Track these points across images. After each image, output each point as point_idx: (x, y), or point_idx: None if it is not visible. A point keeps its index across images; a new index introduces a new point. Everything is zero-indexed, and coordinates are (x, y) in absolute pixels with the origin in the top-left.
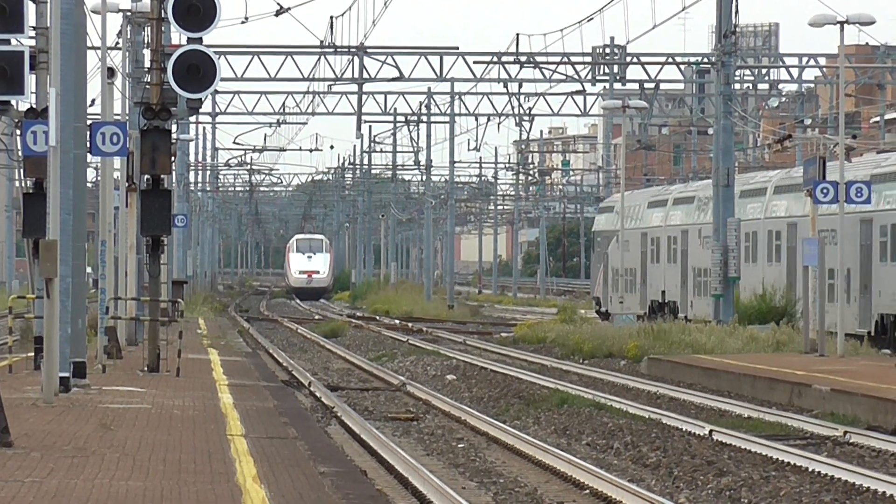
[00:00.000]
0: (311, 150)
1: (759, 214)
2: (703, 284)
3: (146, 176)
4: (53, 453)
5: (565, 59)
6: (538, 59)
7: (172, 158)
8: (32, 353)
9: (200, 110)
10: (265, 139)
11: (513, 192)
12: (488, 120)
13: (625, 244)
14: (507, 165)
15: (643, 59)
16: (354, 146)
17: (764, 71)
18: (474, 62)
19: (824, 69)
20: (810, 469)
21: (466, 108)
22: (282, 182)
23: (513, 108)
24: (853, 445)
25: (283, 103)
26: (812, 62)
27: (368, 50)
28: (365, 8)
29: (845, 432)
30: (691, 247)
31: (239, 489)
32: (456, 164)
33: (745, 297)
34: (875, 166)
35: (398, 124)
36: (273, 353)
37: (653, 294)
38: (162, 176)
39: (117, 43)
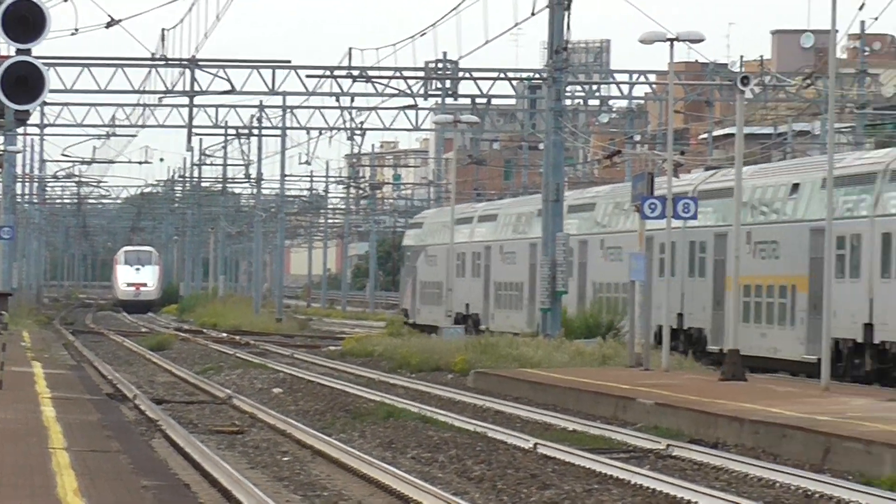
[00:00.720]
0: (140, 163)
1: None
2: (504, 297)
3: None
4: None
5: (398, 74)
6: (370, 73)
7: None
8: None
9: (28, 122)
10: (94, 151)
11: (343, 206)
12: (320, 133)
13: (432, 259)
14: (338, 179)
15: (475, 73)
16: (185, 159)
17: (595, 87)
18: (306, 76)
19: (654, 86)
20: (633, 482)
21: (298, 122)
22: (111, 194)
23: (344, 121)
24: (676, 458)
25: (113, 115)
26: (642, 79)
27: (200, 63)
28: (197, 21)
29: (668, 445)
30: (493, 262)
31: (59, 503)
32: (287, 178)
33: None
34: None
35: (229, 137)
36: (98, 366)
37: (458, 307)
38: None
39: None
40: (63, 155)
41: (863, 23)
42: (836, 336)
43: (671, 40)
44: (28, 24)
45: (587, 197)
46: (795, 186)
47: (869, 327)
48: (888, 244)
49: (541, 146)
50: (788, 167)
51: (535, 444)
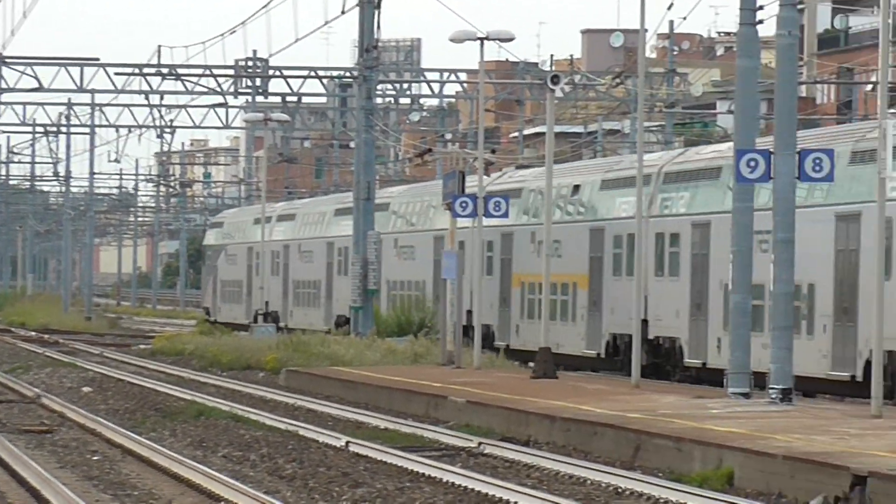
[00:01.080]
0: None
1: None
2: (303, 295)
3: None
4: None
5: (207, 72)
6: (180, 71)
7: None
8: None
9: None
10: None
11: (153, 204)
12: (129, 132)
13: (232, 258)
14: (148, 177)
15: (286, 72)
16: None
17: (405, 85)
18: (115, 73)
19: (465, 84)
20: (445, 480)
21: (107, 120)
22: None
23: (154, 119)
24: (488, 456)
25: None
26: (453, 77)
27: (7, 60)
28: (3, 17)
29: (480, 443)
30: (292, 261)
31: None
32: (96, 176)
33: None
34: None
35: (37, 135)
36: None
37: (256, 304)
38: None
39: None
40: None
41: (671, 22)
42: (613, 331)
43: (481, 39)
44: None
45: (382, 197)
46: (577, 188)
47: (644, 323)
48: (661, 244)
49: (352, 144)
50: (570, 169)
51: (347, 443)
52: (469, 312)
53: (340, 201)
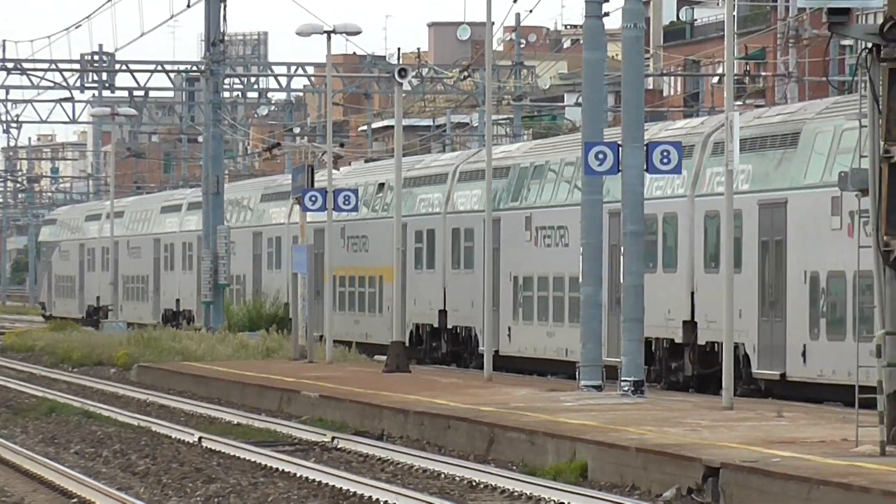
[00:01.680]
0: None
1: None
2: (132, 290)
3: None
4: None
5: (53, 66)
6: (25, 65)
7: None
8: None
9: None
10: None
11: (1, 200)
12: None
13: (66, 254)
14: None
15: (132, 66)
16: None
17: (253, 79)
18: None
19: (312, 78)
20: (299, 475)
21: None
22: None
23: None
24: (341, 451)
25: None
26: (300, 71)
27: None
28: None
29: (333, 438)
30: (121, 256)
31: None
32: None
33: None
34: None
35: None
36: None
37: (89, 299)
38: None
39: None
40: None
41: (518, 15)
42: (417, 322)
43: (328, 33)
44: None
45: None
46: (381, 185)
47: (443, 314)
48: (457, 239)
49: (200, 139)
50: (375, 167)
51: (200, 438)
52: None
53: (167, 199)
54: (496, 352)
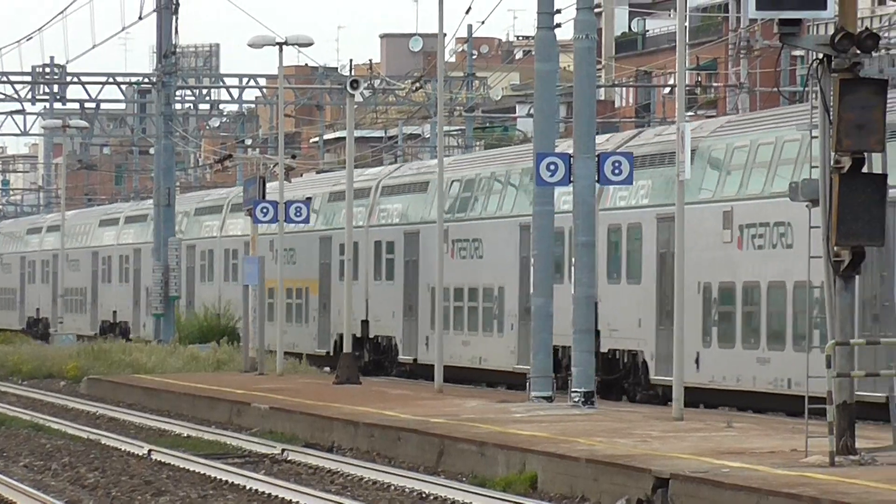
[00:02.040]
0: None
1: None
2: (71, 302)
3: None
4: None
5: (4, 78)
6: None
7: None
8: None
9: None
10: None
11: None
12: None
13: (7, 266)
14: None
15: (84, 78)
16: None
17: (205, 91)
18: None
19: (264, 90)
20: (249, 487)
21: None
22: None
23: None
24: (291, 463)
25: None
26: (252, 83)
27: None
28: None
29: (283, 450)
30: (61, 269)
31: None
32: None
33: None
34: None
35: None
36: None
37: (30, 311)
38: None
39: None
40: None
41: (470, 26)
42: (340, 332)
43: (280, 44)
44: None
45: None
46: (308, 199)
47: (366, 324)
48: (379, 251)
49: (151, 151)
50: (303, 182)
51: (150, 451)
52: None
53: (105, 213)
54: (415, 360)
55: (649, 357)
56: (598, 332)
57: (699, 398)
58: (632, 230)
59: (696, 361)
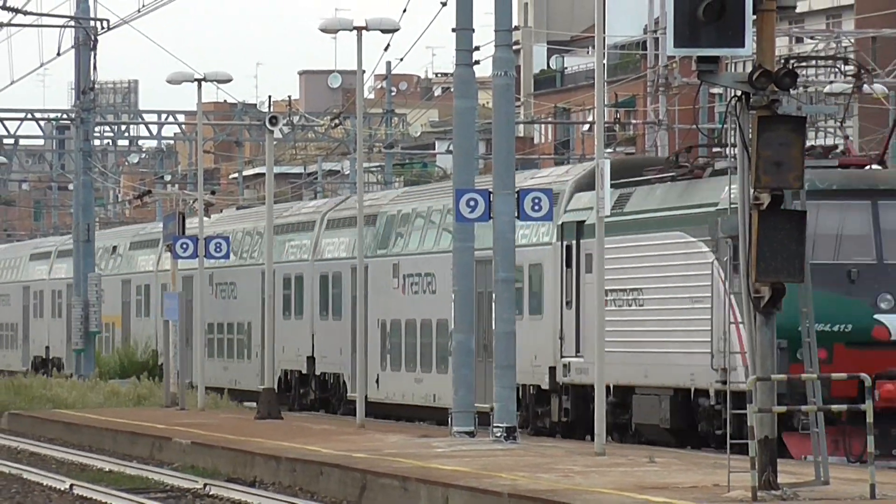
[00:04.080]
0: None
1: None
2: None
3: None
4: None
5: None
6: None
7: None
8: None
9: None
10: None
11: None
12: None
13: None
14: None
15: (1, 114)
16: None
17: (124, 127)
18: None
19: (183, 126)
20: None
21: None
22: None
23: None
24: (213, 497)
25: None
26: (171, 119)
27: None
28: None
29: (206, 484)
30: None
31: None
32: None
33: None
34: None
35: None
36: None
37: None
38: None
39: None
40: None
41: (389, 63)
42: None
43: (199, 80)
44: None
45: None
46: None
47: (311, 360)
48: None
49: (70, 187)
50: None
51: (72, 485)
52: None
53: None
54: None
55: (347, 378)
56: (313, 358)
57: (379, 411)
58: (335, 277)
59: (377, 381)
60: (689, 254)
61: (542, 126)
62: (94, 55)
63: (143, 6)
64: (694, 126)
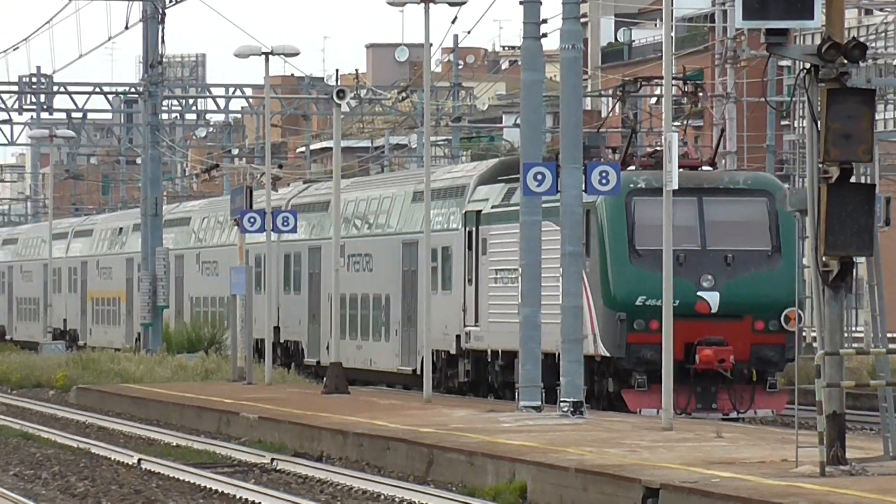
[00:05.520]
0: None
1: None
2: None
3: None
4: None
5: None
6: None
7: None
8: None
9: None
10: None
11: None
12: None
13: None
14: None
15: (70, 88)
16: None
17: (191, 101)
18: None
19: (251, 99)
20: (238, 496)
21: None
22: None
23: None
24: (280, 472)
25: None
26: (239, 93)
27: None
28: None
29: (273, 459)
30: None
31: None
32: None
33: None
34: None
35: None
36: None
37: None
38: None
39: None
40: None
41: (456, 36)
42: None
43: (266, 54)
44: None
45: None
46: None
47: (277, 330)
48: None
49: (138, 160)
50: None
51: (140, 460)
52: (277, 328)
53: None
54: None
55: (305, 345)
56: (277, 329)
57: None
58: (296, 257)
59: (327, 348)
60: (554, 240)
61: (609, 99)
62: (162, 29)
63: None
64: (762, 99)
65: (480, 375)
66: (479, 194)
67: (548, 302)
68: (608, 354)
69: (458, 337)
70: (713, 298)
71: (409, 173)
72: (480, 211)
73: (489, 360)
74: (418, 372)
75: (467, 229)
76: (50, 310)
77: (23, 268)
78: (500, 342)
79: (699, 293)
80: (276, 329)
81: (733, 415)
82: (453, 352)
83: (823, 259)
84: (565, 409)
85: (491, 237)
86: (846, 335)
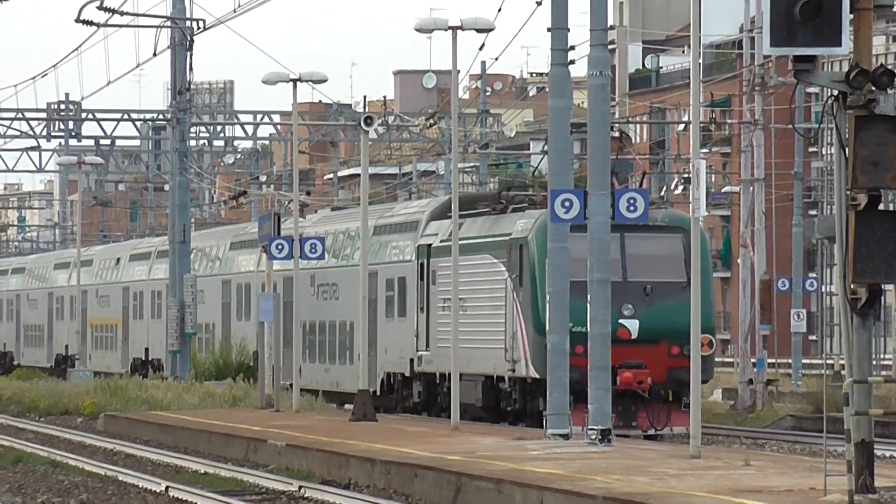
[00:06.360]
0: None
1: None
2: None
3: None
4: None
5: (19, 115)
6: None
7: None
8: None
9: None
10: None
11: None
12: None
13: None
14: None
15: (98, 115)
16: None
17: (219, 128)
18: None
19: (279, 126)
20: None
21: None
22: None
23: None
24: (308, 500)
25: None
26: (266, 119)
27: None
28: None
29: (300, 486)
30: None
31: None
32: None
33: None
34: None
35: None
36: None
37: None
38: None
39: None
40: None
41: (483, 63)
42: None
43: (294, 81)
44: None
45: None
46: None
47: (256, 354)
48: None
49: (166, 187)
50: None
51: (167, 487)
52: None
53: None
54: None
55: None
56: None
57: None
58: (247, 287)
59: (299, 371)
60: (493, 272)
61: (637, 126)
62: (190, 55)
63: (239, 6)
64: (790, 126)
65: (431, 396)
66: (430, 229)
67: (484, 329)
68: (538, 376)
69: (411, 360)
70: (633, 325)
71: (373, 208)
72: (431, 244)
73: (438, 381)
74: (378, 392)
75: (419, 261)
76: (54, 336)
77: (29, 296)
78: (448, 366)
79: (620, 321)
80: (255, 354)
81: (651, 432)
82: (407, 374)
83: (852, 286)
84: (593, 437)
85: (440, 269)
86: (874, 363)
